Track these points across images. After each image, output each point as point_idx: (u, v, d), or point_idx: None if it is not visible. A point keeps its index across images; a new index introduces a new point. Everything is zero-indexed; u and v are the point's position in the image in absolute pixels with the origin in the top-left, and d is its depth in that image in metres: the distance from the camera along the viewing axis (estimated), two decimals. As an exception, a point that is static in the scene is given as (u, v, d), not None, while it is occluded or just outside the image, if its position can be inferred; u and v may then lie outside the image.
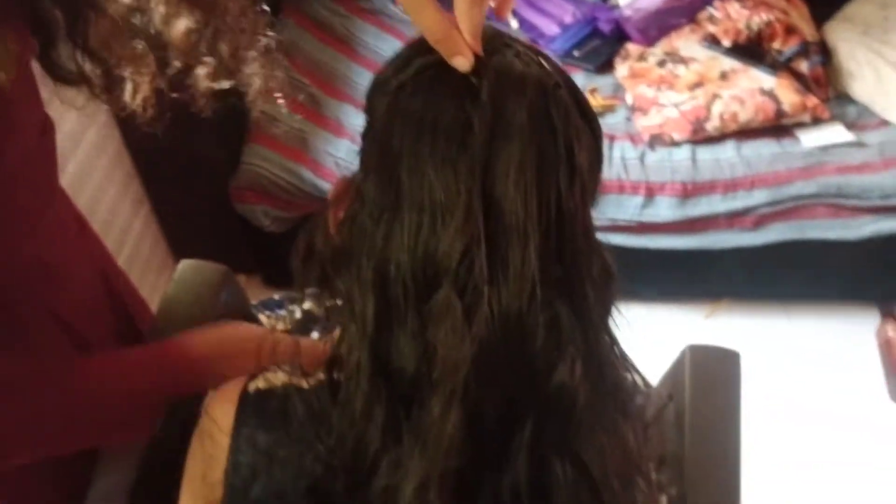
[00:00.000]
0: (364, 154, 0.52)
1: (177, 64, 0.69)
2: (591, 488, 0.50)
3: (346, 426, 0.50)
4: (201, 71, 0.70)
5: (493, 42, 0.48)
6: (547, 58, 0.50)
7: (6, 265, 0.62)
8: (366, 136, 0.52)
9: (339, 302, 0.52)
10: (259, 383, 0.60)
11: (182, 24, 0.67)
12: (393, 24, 1.83)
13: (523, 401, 0.49)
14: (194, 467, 0.62)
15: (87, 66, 0.65)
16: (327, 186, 1.47)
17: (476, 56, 0.47)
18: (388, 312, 0.48)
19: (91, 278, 0.76)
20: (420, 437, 0.47)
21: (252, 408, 0.58)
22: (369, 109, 0.52)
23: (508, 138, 0.46)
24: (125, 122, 1.49)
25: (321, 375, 0.55)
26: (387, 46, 1.77)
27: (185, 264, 0.83)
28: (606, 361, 0.52)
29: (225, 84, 0.72)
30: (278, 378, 0.59)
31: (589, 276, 0.50)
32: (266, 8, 0.73)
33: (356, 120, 1.58)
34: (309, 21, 1.76)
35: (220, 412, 0.60)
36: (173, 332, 0.75)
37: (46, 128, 0.67)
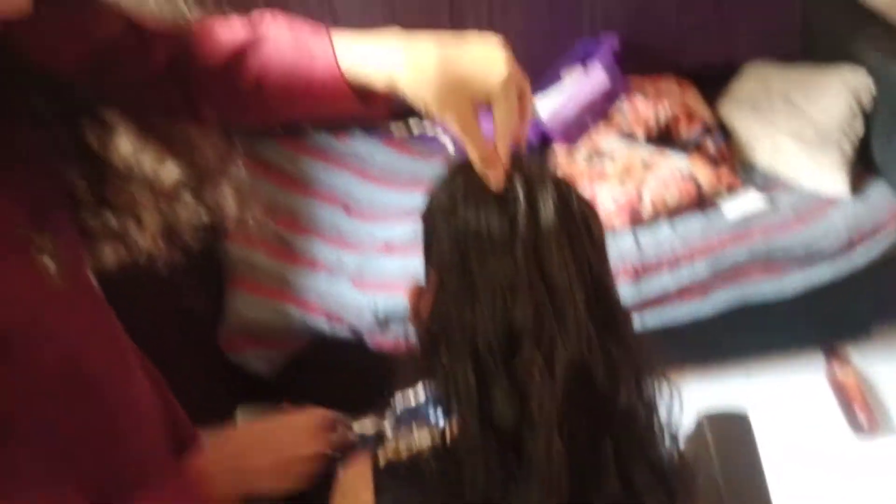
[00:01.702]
0: (433, 259, 0.67)
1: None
2: (667, 488, 0.65)
3: (470, 478, 0.62)
4: (184, 205, 0.79)
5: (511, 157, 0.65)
6: (544, 161, 0.67)
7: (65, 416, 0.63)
8: (428, 245, 0.68)
9: (439, 382, 0.65)
10: (384, 459, 0.70)
11: (168, 172, 0.75)
12: (339, 158, 1.96)
13: (600, 423, 0.63)
14: None
15: (110, 219, 0.72)
16: (316, 320, 1.55)
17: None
18: (485, 377, 0.61)
19: (157, 427, 0.77)
20: (533, 471, 0.60)
21: (386, 476, 0.69)
22: (427, 224, 0.68)
23: (546, 225, 0.61)
24: (105, 284, 1.54)
25: (433, 441, 0.68)
26: (337, 180, 1.89)
27: (243, 410, 0.90)
28: (647, 377, 0.67)
29: (205, 216, 0.81)
30: (400, 450, 0.70)
31: (620, 311, 0.66)
32: (236, 142, 0.84)
33: (328, 253, 1.68)
34: (260, 165, 1.86)
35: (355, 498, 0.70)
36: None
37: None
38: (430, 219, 0.67)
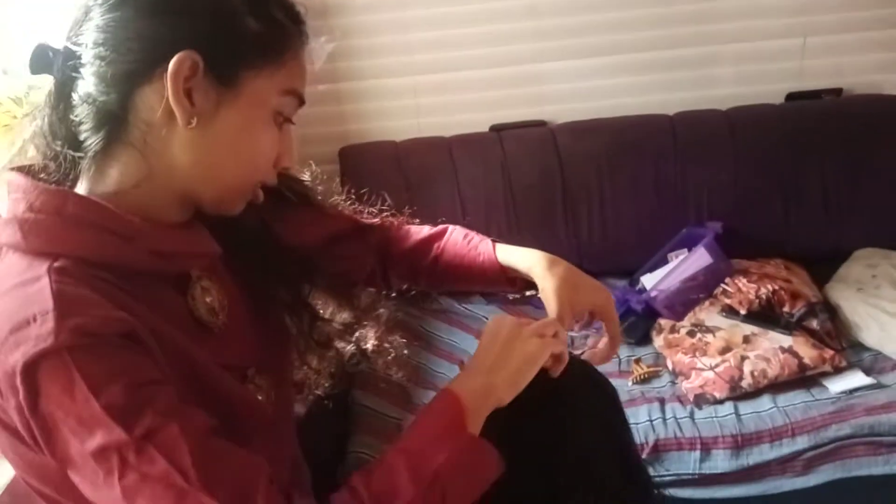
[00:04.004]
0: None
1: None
2: None
3: None
4: (346, 344, 1.01)
5: None
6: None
7: None
8: None
9: None
10: None
11: (340, 318, 0.99)
12: (460, 320, 2.19)
13: None
14: None
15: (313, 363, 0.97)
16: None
17: None
18: None
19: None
20: None
21: None
22: None
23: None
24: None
25: None
26: (458, 338, 2.11)
27: None
28: None
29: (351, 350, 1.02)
30: None
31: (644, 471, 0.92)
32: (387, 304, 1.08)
33: (441, 405, 1.86)
34: (395, 324, 2.13)
35: None
36: None
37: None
38: None
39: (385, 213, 1.07)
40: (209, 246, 0.75)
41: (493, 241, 0.97)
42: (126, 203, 0.67)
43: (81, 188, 0.69)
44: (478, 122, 2.40)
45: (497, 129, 2.40)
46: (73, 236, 0.64)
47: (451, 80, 2.38)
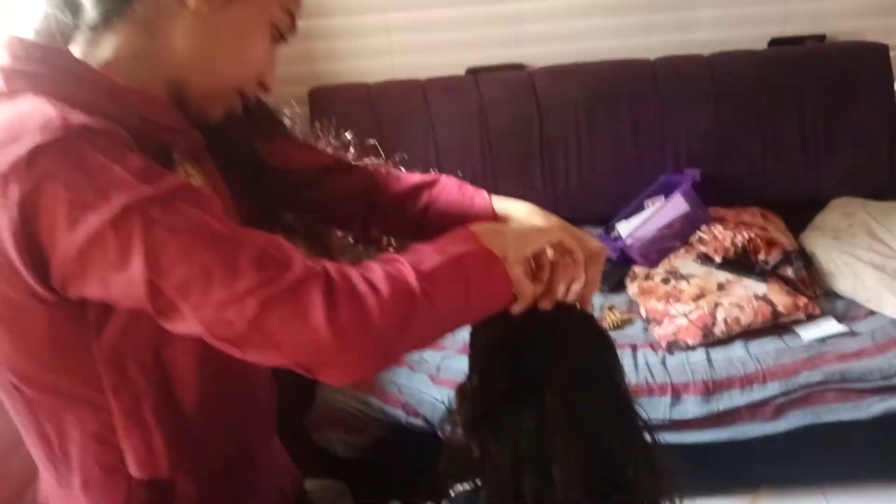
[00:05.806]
0: (476, 361, 0.85)
1: None
2: None
3: None
4: None
5: None
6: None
7: None
8: (474, 353, 0.86)
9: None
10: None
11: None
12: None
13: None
14: None
15: None
16: (392, 411, 1.67)
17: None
18: (518, 457, 0.75)
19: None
20: None
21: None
22: (475, 336, 0.86)
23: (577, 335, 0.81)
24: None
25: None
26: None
27: (309, 483, 1.03)
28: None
29: None
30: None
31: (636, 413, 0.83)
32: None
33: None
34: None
35: None
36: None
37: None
38: (477, 333, 0.86)
39: (374, 161, 1.04)
40: (191, 129, 0.75)
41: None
42: (116, 71, 0.67)
43: (75, 52, 0.69)
44: (453, 63, 2.32)
45: (474, 72, 2.32)
46: (59, 86, 0.62)
47: (425, 19, 2.29)
